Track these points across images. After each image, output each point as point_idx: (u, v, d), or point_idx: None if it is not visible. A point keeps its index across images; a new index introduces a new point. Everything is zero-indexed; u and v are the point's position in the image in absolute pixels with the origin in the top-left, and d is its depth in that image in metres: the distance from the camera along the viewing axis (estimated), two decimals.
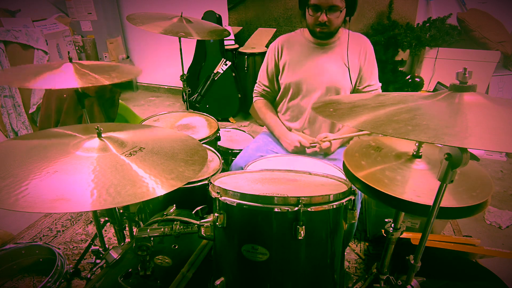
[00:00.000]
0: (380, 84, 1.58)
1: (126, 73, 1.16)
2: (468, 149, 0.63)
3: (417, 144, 0.87)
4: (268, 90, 1.63)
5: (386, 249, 0.97)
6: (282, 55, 1.51)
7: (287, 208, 0.77)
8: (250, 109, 3.32)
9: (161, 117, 1.81)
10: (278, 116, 1.63)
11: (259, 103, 1.66)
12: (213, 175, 1.31)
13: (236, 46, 3.38)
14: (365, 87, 1.52)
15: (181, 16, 1.90)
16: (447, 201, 0.74)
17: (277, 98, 1.62)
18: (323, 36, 1.42)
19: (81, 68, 1.10)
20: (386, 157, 0.92)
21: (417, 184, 0.80)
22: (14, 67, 1.17)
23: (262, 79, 1.63)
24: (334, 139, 1.45)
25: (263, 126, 1.78)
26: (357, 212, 1.38)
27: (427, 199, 0.74)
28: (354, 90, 1.52)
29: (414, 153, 0.88)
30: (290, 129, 1.58)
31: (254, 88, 1.69)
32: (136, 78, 4.45)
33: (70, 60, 1.12)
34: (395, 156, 0.91)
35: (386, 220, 0.95)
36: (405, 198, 0.76)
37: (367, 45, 1.49)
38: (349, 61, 1.45)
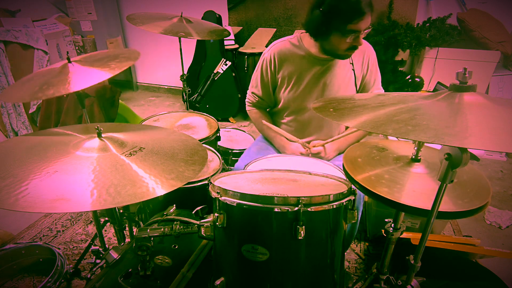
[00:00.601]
0: (383, 91, 1.54)
1: (126, 59, 1.14)
2: (468, 149, 0.63)
3: (415, 148, 0.87)
4: (263, 101, 1.56)
5: (386, 249, 0.97)
6: (280, 68, 1.41)
7: (287, 208, 0.77)
8: None
9: (161, 117, 1.81)
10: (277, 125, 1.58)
11: (254, 114, 1.58)
12: (213, 175, 1.31)
13: (236, 46, 3.38)
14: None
15: (181, 16, 1.90)
16: (444, 205, 0.74)
17: (279, 107, 1.54)
18: (349, 56, 1.31)
19: (82, 65, 1.10)
20: (385, 159, 0.92)
21: (414, 188, 0.81)
22: (17, 82, 1.15)
23: (256, 90, 1.53)
24: (326, 142, 1.41)
25: None
26: (359, 213, 1.36)
27: (425, 203, 0.74)
28: None
29: (413, 156, 0.88)
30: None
31: (247, 97, 1.60)
32: (136, 78, 4.45)
33: (68, 60, 1.12)
34: (394, 159, 0.91)
35: (386, 220, 0.95)
36: (402, 201, 0.76)
37: (370, 52, 1.42)
38: (355, 74, 1.40)
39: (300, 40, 1.39)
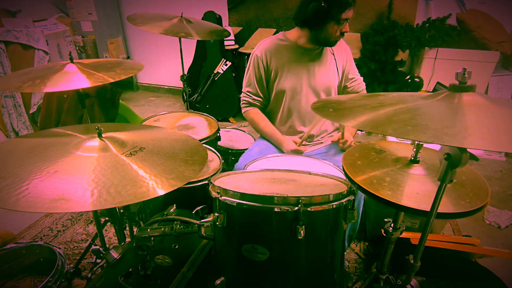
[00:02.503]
0: (362, 78, 1.69)
1: (129, 69, 1.16)
2: (468, 149, 0.64)
3: (414, 149, 0.87)
4: (259, 98, 1.59)
5: (386, 249, 0.97)
6: (271, 62, 1.51)
7: (287, 208, 0.77)
8: None
9: (161, 117, 1.82)
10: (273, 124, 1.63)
11: (251, 114, 1.62)
12: (213, 175, 1.31)
13: (236, 46, 3.39)
14: (351, 81, 1.63)
15: (181, 16, 1.90)
16: (443, 206, 0.74)
17: (274, 101, 1.59)
18: (336, 42, 1.46)
19: (83, 67, 1.10)
20: (384, 160, 0.92)
21: (414, 189, 0.81)
22: (17, 71, 1.16)
23: (250, 88, 1.58)
24: (305, 138, 1.51)
25: None
26: (360, 211, 1.40)
27: (425, 204, 0.75)
28: (342, 87, 1.63)
29: (412, 158, 0.88)
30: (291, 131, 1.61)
31: (242, 99, 1.63)
32: (136, 78, 4.45)
33: (71, 60, 1.13)
34: (393, 161, 0.91)
35: (385, 220, 0.95)
36: (401, 203, 0.76)
37: (345, 44, 1.60)
38: (337, 64, 1.55)
39: (285, 36, 1.53)
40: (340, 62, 1.57)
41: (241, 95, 1.64)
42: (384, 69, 2.92)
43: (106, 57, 3.93)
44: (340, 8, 1.33)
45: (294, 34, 1.51)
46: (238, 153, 1.90)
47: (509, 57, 2.75)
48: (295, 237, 0.77)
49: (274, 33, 3.38)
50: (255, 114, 1.61)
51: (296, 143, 1.51)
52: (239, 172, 1.11)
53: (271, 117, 1.64)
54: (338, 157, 1.49)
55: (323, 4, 1.32)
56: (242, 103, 1.64)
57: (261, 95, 1.58)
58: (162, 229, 0.93)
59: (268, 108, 1.64)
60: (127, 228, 1.31)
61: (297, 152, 1.49)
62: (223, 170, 1.41)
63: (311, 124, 1.53)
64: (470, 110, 0.62)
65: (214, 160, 1.47)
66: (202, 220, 0.90)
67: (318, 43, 1.47)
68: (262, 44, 1.53)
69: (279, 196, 0.79)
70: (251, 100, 1.60)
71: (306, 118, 1.57)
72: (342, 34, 1.41)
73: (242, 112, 1.66)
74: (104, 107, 2.05)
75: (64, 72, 1.08)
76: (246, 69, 1.58)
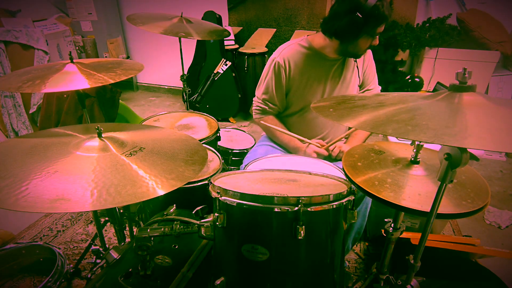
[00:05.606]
0: (380, 88, 1.61)
1: (129, 70, 1.15)
2: (468, 149, 0.64)
3: (415, 150, 0.87)
4: (275, 106, 1.53)
5: (386, 249, 0.97)
6: (295, 71, 1.44)
7: (287, 208, 0.77)
8: (250, 109, 3.32)
9: (161, 117, 1.82)
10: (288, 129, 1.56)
11: (266, 121, 1.53)
12: (213, 175, 1.31)
13: (236, 46, 3.39)
14: (364, 91, 1.58)
15: (181, 16, 1.90)
16: (443, 207, 0.74)
17: (292, 110, 1.54)
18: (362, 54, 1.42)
19: (83, 67, 1.10)
20: (384, 161, 0.92)
21: (415, 189, 0.81)
22: (17, 71, 1.15)
23: (267, 96, 1.51)
24: (332, 143, 1.44)
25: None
26: (367, 211, 1.39)
27: (426, 205, 0.75)
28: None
29: (412, 158, 0.88)
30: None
31: (255, 105, 1.56)
32: (136, 78, 4.45)
33: (71, 60, 1.12)
34: (393, 161, 0.91)
35: (386, 220, 0.95)
36: (401, 204, 0.76)
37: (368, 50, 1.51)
38: (359, 69, 1.50)
39: (309, 42, 1.43)
40: (361, 69, 1.52)
41: (253, 101, 1.57)
42: (384, 69, 2.92)
43: (106, 57, 3.93)
44: (376, 22, 1.26)
45: (319, 42, 1.41)
46: (238, 153, 1.90)
47: (510, 57, 2.75)
48: (295, 237, 0.77)
49: (274, 34, 3.40)
50: (271, 121, 1.54)
51: (320, 146, 1.44)
52: (239, 172, 1.11)
53: (289, 127, 1.56)
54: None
55: (360, 18, 1.23)
56: (255, 110, 1.57)
57: (277, 103, 1.52)
58: (162, 229, 0.93)
59: (287, 119, 1.58)
60: (127, 228, 1.31)
61: (320, 155, 1.43)
62: (223, 170, 1.41)
63: (343, 134, 1.48)
64: (470, 110, 0.62)
65: (214, 160, 1.46)
66: (202, 220, 0.90)
67: (346, 55, 1.42)
68: (284, 51, 1.44)
69: (279, 196, 0.79)
70: (267, 108, 1.53)
71: (327, 129, 1.53)
72: (370, 47, 1.36)
73: (254, 118, 1.59)
74: (104, 107, 2.05)
75: (64, 72, 1.08)
76: (264, 75, 1.50)
